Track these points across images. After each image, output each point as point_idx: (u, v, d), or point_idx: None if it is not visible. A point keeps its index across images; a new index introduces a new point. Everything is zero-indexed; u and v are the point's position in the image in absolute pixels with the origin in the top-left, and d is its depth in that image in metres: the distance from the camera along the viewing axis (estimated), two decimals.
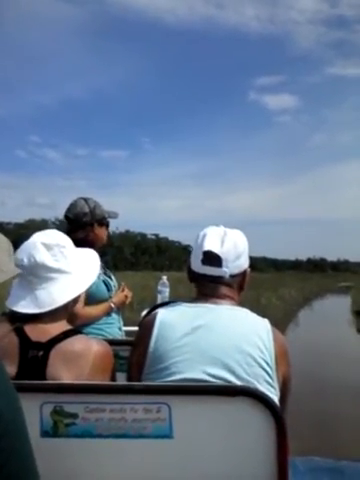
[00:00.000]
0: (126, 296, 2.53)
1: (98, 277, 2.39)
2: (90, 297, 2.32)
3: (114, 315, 2.48)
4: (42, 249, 1.29)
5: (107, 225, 2.55)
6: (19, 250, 1.32)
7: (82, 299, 2.23)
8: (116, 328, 2.47)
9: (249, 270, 1.46)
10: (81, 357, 1.23)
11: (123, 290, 2.55)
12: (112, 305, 2.43)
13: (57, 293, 1.29)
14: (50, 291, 1.29)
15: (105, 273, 2.58)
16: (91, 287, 2.32)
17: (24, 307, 1.27)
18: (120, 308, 2.55)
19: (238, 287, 1.43)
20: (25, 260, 1.28)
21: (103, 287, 2.44)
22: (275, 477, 1.09)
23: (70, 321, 1.34)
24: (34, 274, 1.28)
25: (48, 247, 1.30)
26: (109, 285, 2.50)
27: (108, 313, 2.43)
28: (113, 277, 2.62)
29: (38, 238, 1.32)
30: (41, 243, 1.30)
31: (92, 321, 2.34)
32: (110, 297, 2.46)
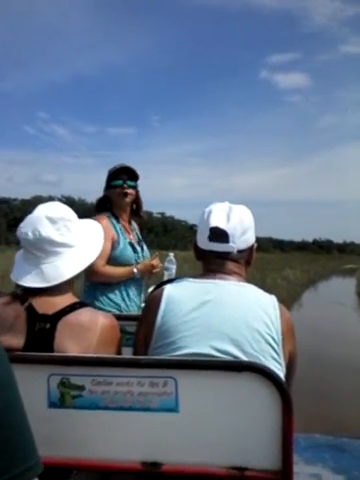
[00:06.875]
0: (153, 265, 2.51)
1: (125, 238, 2.46)
2: (114, 258, 2.39)
3: (134, 289, 2.50)
4: (47, 223, 1.28)
5: (114, 186, 2.53)
6: (23, 224, 1.31)
7: (104, 256, 2.33)
8: (135, 307, 2.50)
9: (256, 245, 1.45)
10: (88, 329, 1.23)
11: (153, 259, 2.54)
12: (135, 270, 2.44)
13: (63, 267, 1.29)
14: (56, 265, 1.28)
15: (139, 242, 2.61)
16: (116, 248, 2.41)
17: (30, 281, 1.27)
18: (145, 277, 2.56)
19: (245, 262, 1.42)
20: (30, 234, 1.27)
21: (129, 249, 2.46)
22: (279, 452, 1.10)
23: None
24: (39, 248, 1.28)
25: (53, 221, 1.29)
26: (135, 249, 2.51)
27: (132, 278, 2.45)
28: (145, 248, 2.63)
29: (43, 212, 1.31)
30: (46, 217, 1.28)
31: (110, 281, 2.39)
32: (137, 262, 2.48)
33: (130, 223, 2.63)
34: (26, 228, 1.29)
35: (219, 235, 1.35)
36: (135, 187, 2.56)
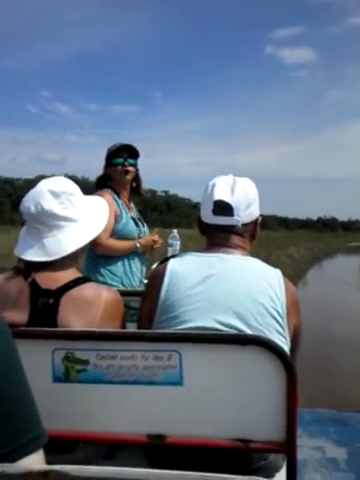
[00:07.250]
0: (154, 241, 2.57)
1: (126, 213, 2.52)
2: (117, 232, 2.45)
3: (138, 263, 2.54)
4: (49, 197, 1.26)
5: (115, 164, 2.56)
6: (26, 198, 1.30)
7: (108, 229, 2.39)
8: (138, 281, 2.55)
9: (260, 219, 1.44)
10: (92, 304, 1.23)
11: (154, 235, 2.60)
12: (137, 245, 2.49)
13: (65, 241, 1.27)
14: (58, 239, 1.27)
15: (139, 218, 2.66)
16: (119, 222, 2.46)
17: (32, 255, 1.26)
18: (147, 251, 2.61)
19: (250, 236, 1.41)
20: (32, 208, 1.26)
21: (131, 223, 2.52)
22: (284, 424, 1.10)
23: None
24: (42, 222, 1.26)
25: (55, 195, 1.27)
26: (137, 223, 2.57)
27: (134, 252, 2.50)
28: (146, 225, 2.68)
29: (45, 186, 1.29)
30: (48, 191, 1.27)
31: (113, 253, 2.44)
32: (139, 237, 2.54)
33: (129, 201, 2.68)
34: (29, 202, 1.28)
35: (223, 208, 1.33)
36: (135, 165, 2.59)
